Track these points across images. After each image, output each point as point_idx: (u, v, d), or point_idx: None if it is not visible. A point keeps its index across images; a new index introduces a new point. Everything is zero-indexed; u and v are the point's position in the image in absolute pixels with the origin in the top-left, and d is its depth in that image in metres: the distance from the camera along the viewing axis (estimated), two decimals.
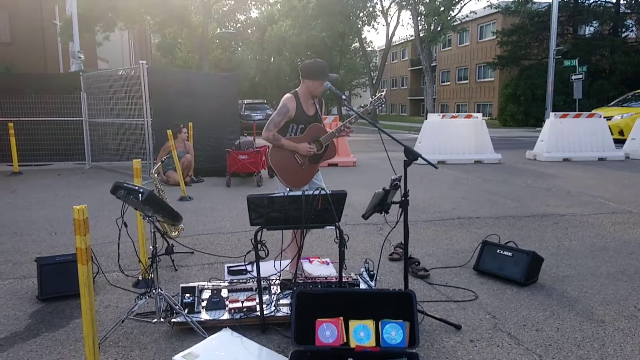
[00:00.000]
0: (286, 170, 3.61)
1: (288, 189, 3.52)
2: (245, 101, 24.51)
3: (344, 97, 3.59)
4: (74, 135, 10.68)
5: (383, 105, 3.92)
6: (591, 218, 5.92)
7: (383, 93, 3.80)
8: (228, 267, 3.95)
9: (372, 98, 3.80)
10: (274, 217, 2.99)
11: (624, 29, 30.27)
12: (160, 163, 5.46)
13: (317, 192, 2.89)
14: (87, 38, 23.13)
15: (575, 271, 4.08)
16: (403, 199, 3.29)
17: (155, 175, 4.70)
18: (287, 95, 3.67)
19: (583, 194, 7.48)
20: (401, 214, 3.33)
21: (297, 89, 3.69)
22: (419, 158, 3.20)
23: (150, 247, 3.20)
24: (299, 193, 2.90)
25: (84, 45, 20.70)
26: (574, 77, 22.12)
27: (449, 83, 45.90)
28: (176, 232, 4.63)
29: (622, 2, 29.96)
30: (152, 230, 3.20)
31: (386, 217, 3.52)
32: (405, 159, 3.31)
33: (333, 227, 3.04)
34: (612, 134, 13.90)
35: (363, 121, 3.58)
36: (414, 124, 31.22)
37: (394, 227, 3.49)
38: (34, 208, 6.73)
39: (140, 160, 4.13)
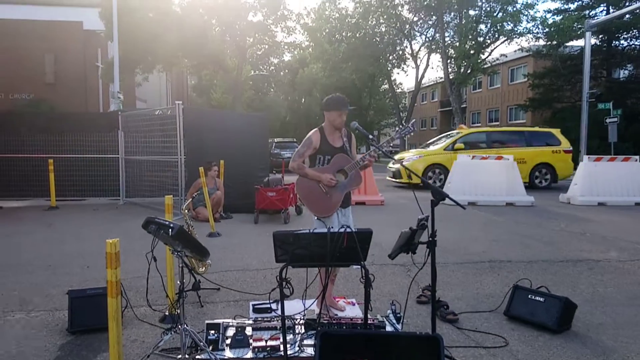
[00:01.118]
0: (312, 198, 3.77)
1: (314, 228, 3.55)
2: (275, 140, 24.94)
3: (370, 136, 3.65)
4: (110, 172, 11.02)
5: (412, 134, 3.96)
6: (628, 264, 5.70)
7: (412, 122, 3.86)
8: (253, 305, 3.95)
9: (400, 127, 3.85)
10: (300, 255, 3.00)
11: None
12: (191, 199, 5.57)
13: (342, 230, 2.89)
14: (127, 79, 24.14)
15: (611, 319, 3.91)
16: (430, 239, 3.27)
17: (186, 211, 4.80)
18: (313, 129, 3.93)
19: (619, 239, 7.22)
20: (429, 255, 3.30)
21: (323, 124, 3.93)
22: (447, 198, 3.20)
23: (178, 282, 3.25)
24: (324, 231, 2.91)
25: (124, 86, 21.60)
26: (608, 120, 21.72)
27: (479, 124, 45.67)
28: (203, 268, 4.67)
29: None
30: (180, 265, 3.25)
31: (413, 257, 3.48)
32: (433, 198, 3.31)
33: (359, 266, 3.03)
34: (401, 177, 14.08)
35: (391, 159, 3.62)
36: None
37: (421, 268, 3.44)
38: (69, 242, 6.92)
39: (172, 196, 4.24)
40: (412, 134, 3.90)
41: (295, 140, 27.22)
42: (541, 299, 3.80)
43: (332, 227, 3.04)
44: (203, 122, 9.71)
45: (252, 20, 27.09)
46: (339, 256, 2.96)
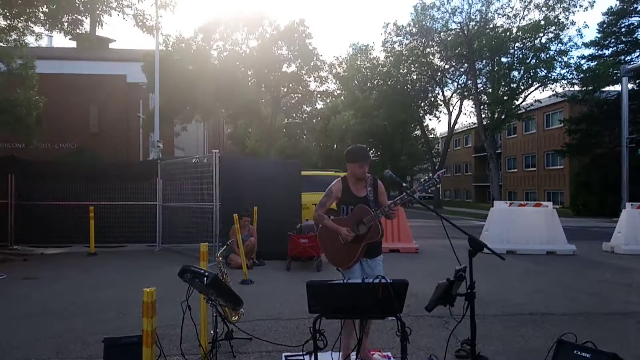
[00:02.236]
0: (332, 249, 3.78)
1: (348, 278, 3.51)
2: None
3: (404, 184, 3.64)
4: (147, 219, 11.27)
5: (438, 186, 3.92)
6: None
7: (439, 172, 3.82)
8: (286, 357, 3.88)
9: (424, 178, 3.82)
10: (333, 305, 2.96)
11: None
12: (226, 246, 5.61)
13: (377, 281, 2.85)
14: (167, 129, 25.08)
15: None
16: (469, 291, 3.18)
17: (220, 258, 4.83)
18: (337, 179, 3.96)
19: None
20: (467, 308, 3.20)
21: (346, 174, 3.95)
22: (485, 248, 3.13)
23: (211, 332, 3.24)
24: (359, 281, 2.88)
25: (163, 135, 22.42)
26: None
27: (515, 170, 44.96)
28: (236, 317, 4.64)
29: None
30: (215, 314, 3.25)
31: (451, 310, 3.37)
32: (470, 248, 3.24)
33: (394, 318, 2.96)
34: None
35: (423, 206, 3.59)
36: (480, 211, 30.44)
37: (460, 321, 3.33)
38: (106, 288, 7.03)
39: (207, 244, 4.29)
40: (438, 185, 3.89)
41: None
42: (587, 355, 3.59)
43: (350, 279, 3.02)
44: (238, 169, 9.90)
45: (286, 70, 27.97)
46: (373, 307, 2.91)
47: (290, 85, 28.53)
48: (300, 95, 33.75)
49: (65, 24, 9.99)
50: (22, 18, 10.66)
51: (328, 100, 39.09)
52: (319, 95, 32.20)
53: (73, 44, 26.80)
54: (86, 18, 10.51)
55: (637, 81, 29.06)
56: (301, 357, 3.76)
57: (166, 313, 5.51)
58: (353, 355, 3.65)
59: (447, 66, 33.19)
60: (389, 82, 33.73)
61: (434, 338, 4.69)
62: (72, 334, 4.78)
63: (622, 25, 30.57)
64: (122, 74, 24.08)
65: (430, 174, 3.84)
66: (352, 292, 2.84)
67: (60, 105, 21.87)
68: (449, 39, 30.75)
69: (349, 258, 3.72)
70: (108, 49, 27.97)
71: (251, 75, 27.85)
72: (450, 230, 3.43)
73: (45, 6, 9.60)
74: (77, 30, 10.17)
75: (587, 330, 4.87)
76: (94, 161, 16.95)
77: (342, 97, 34.76)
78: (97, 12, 9.93)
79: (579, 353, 3.66)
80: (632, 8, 30.15)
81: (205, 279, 3.00)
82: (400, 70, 33.62)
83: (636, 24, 30.26)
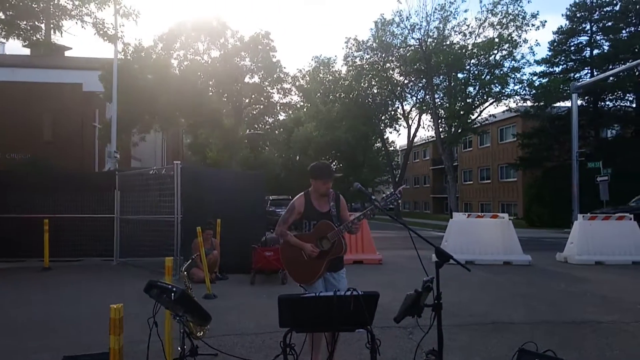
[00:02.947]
0: (294, 265, 3.76)
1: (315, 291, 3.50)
2: (270, 197, 24.97)
3: (373, 197, 3.69)
4: (104, 231, 10.90)
5: (399, 201, 3.99)
6: (632, 326, 5.62)
7: (400, 189, 3.89)
8: None
9: (385, 194, 3.87)
10: (305, 319, 2.95)
11: None
12: (190, 260, 5.50)
13: (349, 293, 2.86)
14: (124, 139, 24.45)
15: None
16: (436, 302, 3.23)
17: (185, 272, 4.73)
18: (299, 194, 3.93)
19: (620, 299, 7.16)
20: (434, 318, 3.25)
21: (309, 189, 3.92)
22: (451, 259, 3.20)
23: (178, 349, 3.16)
24: (331, 294, 2.88)
25: (120, 145, 21.85)
26: (599, 179, 22.11)
27: (471, 182, 46.22)
28: (201, 332, 4.54)
29: None
30: (182, 330, 3.18)
31: (418, 320, 3.42)
32: (437, 259, 3.30)
33: (362, 330, 2.97)
34: None
35: (388, 217, 3.64)
36: (438, 222, 31.08)
37: (427, 332, 3.38)
38: (62, 304, 6.75)
39: (172, 258, 4.19)
40: (399, 201, 3.95)
41: (290, 197, 27.30)
42: None
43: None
44: (200, 180, 9.75)
45: (249, 82, 27.89)
46: (345, 320, 2.91)
47: (253, 96, 28.43)
48: (262, 107, 33.67)
49: (23, 31, 9.63)
50: None
51: (291, 112, 39.18)
52: (281, 107, 32.21)
53: (26, 51, 25.89)
54: (43, 25, 10.18)
55: (586, 98, 30.57)
56: None
57: (128, 329, 5.34)
58: None
59: (406, 81, 33.94)
60: (351, 95, 34.19)
61: (400, 349, 4.73)
62: (27, 352, 4.56)
63: (572, 44, 32.18)
64: (78, 83, 23.34)
65: (392, 190, 3.89)
66: (325, 305, 2.84)
67: (12, 113, 21.00)
68: (408, 54, 31.50)
69: (312, 274, 3.70)
70: (63, 56, 27.12)
71: (213, 85, 27.62)
72: (415, 242, 3.49)
73: (1, 12, 9.24)
74: (34, 37, 9.81)
75: (546, 339, 5.02)
76: (48, 171, 16.30)
77: (304, 109, 34.93)
78: (55, 19, 9.62)
79: None
80: (580, 28, 31.81)
81: (172, 294, 2.93)
82: (362, 84, 34.14)
83: (584, 43, 31.94)
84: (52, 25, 10.02)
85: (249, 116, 37.75)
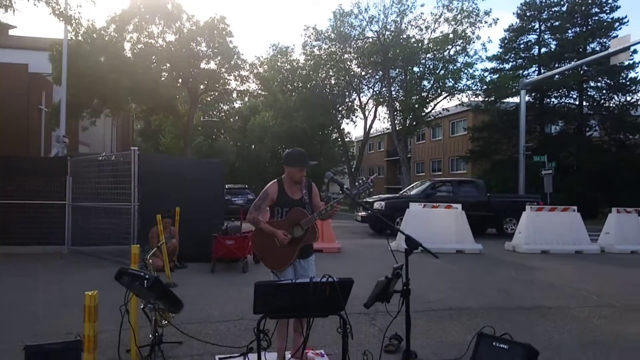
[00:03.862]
0: (266, 252, 3.78)
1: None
2: (226, 186, 24.68)
3: (345, 186, 3.76)
4: (55, 219, 10.49)
5: (371, 189, 4.07)
6: (577, 311, 5.99)
7: (372, 177, 3.99)
8: (219, 358, 3.84)
9: (359, 182, 3.96)
10: (280, 305, 3.00)
11: (587, 129, 32.34)
12: (155, 248, 5.42)
13: (324, 280, 2.93)
14: (72, 123, 23.48)
15: None
16: (405, 288, 3.36)
17: (150, 260, 4.66)
18: (272, 181, 3.95)
19: (566, 286, 7.60)
20: (402, 303, 3.38)
21: (282, 176, 3.95)
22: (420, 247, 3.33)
23: (150, 336, 3.14)
24: (307, 280, 2.94)
25: (68, 130, 20.98)
26: (544, 172, 23.15)
27: (423, 174, 47.33)
28: (165, 321, 4.51)
29: (584, 103, 32.30)
30: (153, 317, 3.15)
31: (387, 306, 3.54)
32: (406, 247, 3.43)
33: (325, 316, 3.04)
34: None
35: (347, 207, 3.73)
36: None
37: (395, 317, 3.50)
38: (12, 293, 6.48)
39: (138, 245, 4.12)
40: (371, 189, 4.03)
41: (247, 186, 27.08)
42: (505, 347, 3.91)
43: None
44: (158, 168, 9.54)
45: (205, 67, 27.29)
46: (319, 306, 2.98)
47: (208, 82, 27.85)
48: (217, 94, 33.07)
49: None
50: None
51: (247, 100, 38.75)
52: (238, 95, 31.74)
53: None
54: None
55: (534, 94, 31.88)
56: (234, 359, 3.75)
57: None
58: (288, 355, 3.70)
59: (363, 73, 34.18)
60: (309, 85, 34.15)
61: (363, 334, 4.85)
62: None
63: (521, 41, 33.44)
64: (23, 63, 22.20)
65: (364, 178, 3.97)
66: (300, 292, 2.89)
67: None
68: (365, 46, 31.70)
69: (284, 260, 3.74)
70: (7, 35, 25.66)
71: (168, 70, 26.87)
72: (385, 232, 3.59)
73: None
74: None
75: (500, 324, 5.26)
76: None
77: (261, 98, 34.62)
78: None
79: (497, 345, 3.98)
80: (529, 26, 33.07)
81: (145, 281, 2.90)
82: (320, 74, 34.14)
83: (533, 41, 33.26)
84: (4, 3, 9.42)
85: (203, 103, 37.07)
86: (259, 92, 30.29)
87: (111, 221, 9.61)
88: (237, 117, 47.29)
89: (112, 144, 37.99)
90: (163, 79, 27.04)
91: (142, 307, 3.63)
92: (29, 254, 10.02)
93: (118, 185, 9.25)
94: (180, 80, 27.65)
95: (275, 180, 3.94)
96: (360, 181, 3.89)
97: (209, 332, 4.88)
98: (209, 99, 38.82)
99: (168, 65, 26.15)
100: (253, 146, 44.30)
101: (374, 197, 18.21)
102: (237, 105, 45.74)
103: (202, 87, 28.56)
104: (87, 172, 10.30)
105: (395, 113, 31.81)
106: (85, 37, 22.33)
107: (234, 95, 32.21)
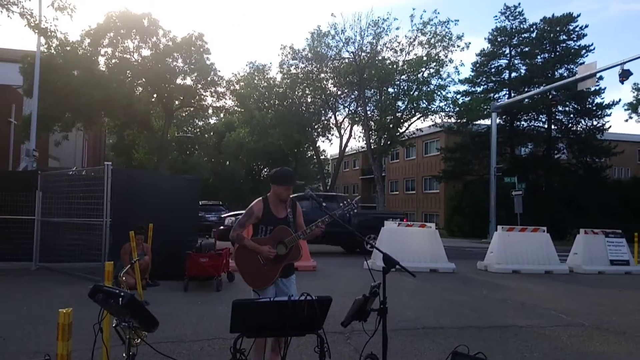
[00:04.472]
0: (249, 269, 3.75)
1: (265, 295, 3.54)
2: (200, 202, 24.43)
3: (324, 204, 3.79)
4: (22, 234, 10.18)
5: (355, 211, 4.11)
6: (548, 330, 6.11)
7: (356, 199, 4.03)
8: None
9: (342, 203, 4.00)
10: (257, 324, 2.98)
11: (556, 152, 33.32)
12: (129, 266, 5.32)
13: (302, 298, 2.93)
14: (43, 137, 22.97)
15: None
16: (382, 306, 3.38)
17: (123, 278, 4.57)
18: (257, 199, 3.94)
19: (537, 306, 7.74)
20: (379, 322, 3.39)
21: (268, 194, 3.94)
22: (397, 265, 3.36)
23: (124, 355, 3.07)
24: (285, 299, 2.93)
25: (38, 143, 20.51)
26: (514, 193, 23.69)
27: (397, 192, 47.82)
28: (138, 340, 4.41)
29: (553, 127, 33.32)
30: (127, 336, 3.09)
31: (364, 325, 3.54)
32: (384, 265, 3.46)
33: (302, 335, 3.03)
34: None
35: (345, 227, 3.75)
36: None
37: (372, 336, 3.51)
38: None
39: (112, 262, 4.05)
40: (355, 210, 4.08)
41: (220, 203, 26.85)
42: None
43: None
44: (132, 183, 9.41)
45: (181, 83, 27.15)
46: (297, 325, 2.97)
47: (184, 98, 27.69)
48: (192, 109, 32.89)
49: None
50: None
51: (222, 116, 38.65)
52: (214, 111, 31.62)
53: None
54: None
55: (504, 117, 32.75)
56: None
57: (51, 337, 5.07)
58: None
59: (339, 92, 34.56)
60: (285, 103, 34.32)
61: (338, 354, 4.83)
62: None
63: (492, 66, 34.47)
64: None
65: (349, 199, 4.01)
66: (279, 310, 2.89)
67: None
68: (341, 66, 32.11)
69: (267, 278, 3.73)
70: None
71: (142, 85, 26.62)
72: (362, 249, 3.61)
73: None
74: None
75: (473, 343, 5.32)
76: None
77: (237, 114, 34.58)
78: None
79: None
80: (500, 51, 34.13)
81: (120, 299, 2.85)
82: (296, 93, 34.39)
83: (504, 65, 34.31)
84: None
85: (177, 118, 36.82)
86: (235, 108, 30.24)
87: (82, 237, 9.39)
88: (212, 133, 47.07)
89: (83, 158, 37.27)
90: (138, 93, 26.78)
91: (114, 325, 3.55)
92: None
93: (90, 201, 9.05)
94: (155, 96, 27.43)
95: (261, 198, 3.94)
96: (346, 202, 3.93)
97: (182, 352, 4.80)
98: (184, 115, 38.61)
99: (143, 80, 25.92)
100: (228, 162, 44.08)
101: (229, 213, 18.27)
102: (212, 121, 45.60)
103: (177, 102, 28.38)
104: (58, 187, 10.07)
105: (370, 132, 32.17)
106: (58, 50, 22.00)
107: (210, 111, 32.09)
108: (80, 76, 22.72)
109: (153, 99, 27.94)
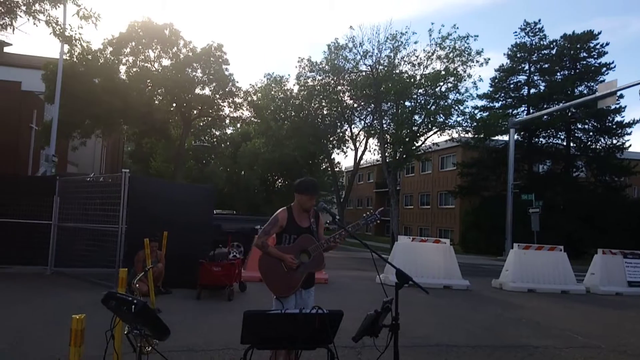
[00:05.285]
0: (272, 277, 3.78)
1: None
2: (214, 211, 24.53)
3: (337, 217, 3.78)
4: (39, 239, 10.30)
5: (378, 221, 4.11)
6: (563, 352, 5.98)
7: (379, 210, 4.03)
8: None
9: (366, 214, 4.01)
10: (268, 336, 2.96)
11: (574, 169, 32.86)
12: (143, 273, 5.34)
13: (314, 311, 2.91)
14: (62, 142, 23.38)
15: None
16: (394, 322, 3.34)
17: (136, 285, 4.59)
18: (281, 208, 4.00)
19: (552, 326, 7.58)
20: (391, 338, 3.34)
21: (292, 203, 4.00)
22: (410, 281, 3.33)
23: None
24: (297, 311, 2.91)
25: (57, 149, 20.84)
26: (531, 210, 23.35)
27: (412, 207, 47.49)
28: (150, 347, 4.41)
29: (572, 145, 32.90)
30: (139, 344, 3.10)
31: (375, 341, 3.50)
32: (397, 281, 3.42)
33: (313, 349, 3.01)
34: None
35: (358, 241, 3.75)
36: (380, 244, 31.65)
37: (383, 352, 3.46)
38: None
39: (126, 269, 4.08)
40: (378, 221, 4.08)
41: (234, 212, 26.92)
42: None
43: (287, 309, 3.05)
44: (149, 191, 9.48)
45: (200, 93, 27.48)
46: (308, 338, 2.95)
47: (202, 107, 28.00)
48: (210, 119, 33.20)
49: None
50: None
51: (239, 126, 38.92)
52: (231, 121, 31.89)
53: None
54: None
55: (522, 133, 32.43)
56: None
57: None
58: None
59: (355, 105, 34.57)
60: (301, 114, 34.40)
61: None
62: None
63: (511, 81, 34.22)
64: (16, 81, 22.19)
65: (371, 210, 4.04)
66: (290, 323, 2.87)
67: None
68: (358, 79, 32.14)
69: (289, 286, 3.76)
70: (2, 52, 25.74)
71: (162, 93, 27.00)
72: (362, 262, 3.59)
73: None
74: None
75: None
76: None
77: (254, 125, 34.75)
78: (9, 15, 9.12)
79: None
80: (520, 67, 33.91)
81: (133, 306, 2.85)
82: (312, 104, 34.47)
83: (523, 81, 34.03)
84: (4, 22, 9.46)
85: (196, 127, 37.20)
86: (252, 119, 30.46)
87: (97, 243, 9.47)
88: (228, 143, 47.38)
89: (102, 165, 37.79)
90: (157, 102, 27.16)
91: (126, 332, 3.56)
92: (9, 273, 9.83)
93: (106, 207, 9.15)
94: (174, 105, 27.77)
95: (285, 207, 4.00)
96: (369, 213, 3.95)
97: None
98: (201, 124, 38.98)
99: (162, 89, 26.27)
100: (243, 172, 44.30)
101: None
102: (229, 131, 45.91)
103: (195, 112, 28.69)
104: (75, 193, 10.19)
105: (386, 145, 32.07)
106: (80, 58, 22.46)
107: (227, 121, 32.37)
108: (101, 84, 23.13)
109: (172, 108, 28.28)
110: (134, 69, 25.75)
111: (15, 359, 4.50)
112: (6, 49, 26.26)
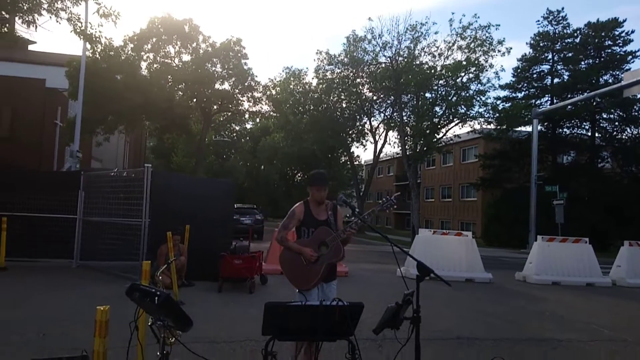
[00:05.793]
0: (294, 271, 3.82)
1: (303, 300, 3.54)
2: (235, 205, 24.78)
3: (357, 210, 3.78)
4: (65, 232, 10.55)
5: (395, 207, 4.08)
6: (588, 345, 5.88)
7: (395, 195, 4.01)
8: None
9: (382, 200, 3.98)
10: (289, 327, 2.97)
11: (599, 160, 32.15)
12: (165, 265, 5.41)
13: (334, 303, 2.91)
14: (86, 138, 23.80)
15: None
16: (415, 315, 3.32)
17: (159, 277, 4.66)
18: (299, 202, 4.04)
19: (577, 320, 7.46)
20: (412, 331, 3.33)
21: (308, 197, 4.03)
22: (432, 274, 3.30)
23: (158, 354, 3.12)
24: (317, 303, 2.92)
25: (81, 145, 21.22)
26: (555, 202, 22.95)
27: (433, 200, 47.14)
28: (173, 339, 4.48)
29: (597, 135, 32.19)
30: (162, 335, 3.14)
31: (396, 333, 3.49)
32: (418, 274, 3.40)
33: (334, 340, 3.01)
34: None
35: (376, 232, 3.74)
36: (400, 237, 31.49)
37: (405, 344, 3.45)
38: (21, 307, 6.49)
39: (149, 262, 4.13)
40: (395, 206, 4.04)
41: (255, 206, 27.12)
42: None
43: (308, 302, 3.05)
44: (170, 186, 9.61)
45: (219, 88, 27.68)
46: (328, 330, 2.95)
47: (222, 102, 28.22)
48: (230, 114, 33.44)
49: None
50: None
51: (258, 121, 39.11)
52: (250, 115, 32.09)
53: None
54: (18, 17, 9.82)
55: (546, 124, 31.82)
56: None
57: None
58: None
59: (375, 97, 34.37)
60: (320, 108, 34.37)
61: None
62: None
63: (534, 71, 33.58)
64: (41, 78, 22.62)
65: (387, 196, 4.01)
66: (310, 314, 2.88)
67: None
68: (378, 71, 31.92)
69: (310, 279, 3.77)
70: (27, 50, 26.26)
71: (182, 89, 27.29)
72: (383, 255, 3.57)
73: None
74: (3, 29, 9.47)
75: (509, 356, 5.18)
76: (5, 168, 15.64)
77: (273, 119, 34.85)
78: (28, 13, 9.30)
79: None
80: (543, 57, 33.23)
81: (156, 298, 2.89)
82: (331, 98, 34.39)
83: (546, 71, 33.37)
84: (27, 19, 9.65)
85: (216, 122, 37.53)
86: (271, 113, 30.58)
87: (120, 237, 9.63)
88: (248, 138, 47.72)
89: (125, 160, 38.37)
90: (177, 98, 27.46)
91: (149, 324, 3.62)
92: (37, 267, 10.07)
93: (130, 202, 9.30)
94: (194, 100, 28.03)
95: (302, 201, 4.04)
96: (385, 199, 3.92)
97: (215, 352, 4.85)
98: (221, 119, 39.29)
99: (183, 84, 26.54)
100: (262, 167, 44.56)
101: None
102: (248, 125, 46.21)
103: (215, 107, 28.92)
104: (99, 187, 10.39)
105: (406, 138, 31.83)
106: (102, 55, 22.81)
107: (247, 115, 32.57)
108: (123, 80, 23.46)
109: (192, 103, 28.56)
110: (155, 65, 26.07)
111: (43, 348, 4.61)
112: (31, 47, 26.80)
